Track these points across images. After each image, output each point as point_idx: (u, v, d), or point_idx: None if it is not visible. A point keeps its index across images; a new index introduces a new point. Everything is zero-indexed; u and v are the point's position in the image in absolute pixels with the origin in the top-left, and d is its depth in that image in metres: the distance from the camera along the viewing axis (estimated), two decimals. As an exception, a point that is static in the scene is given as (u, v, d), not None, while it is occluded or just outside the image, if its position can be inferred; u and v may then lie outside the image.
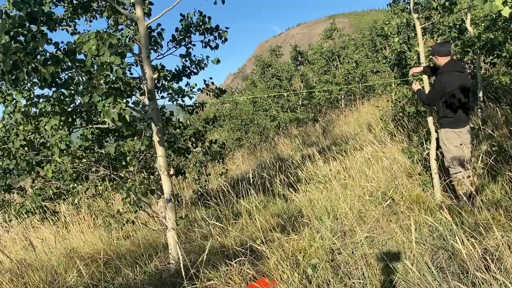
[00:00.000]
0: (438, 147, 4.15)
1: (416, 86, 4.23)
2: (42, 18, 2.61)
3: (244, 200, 5.30)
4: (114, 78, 2.85)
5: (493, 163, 3.92)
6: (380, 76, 16.42)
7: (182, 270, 2.91)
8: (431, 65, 4.21)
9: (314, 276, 2.84)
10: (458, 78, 3.81)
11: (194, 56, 5.08)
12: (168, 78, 5.26)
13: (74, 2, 4.46)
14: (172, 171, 4.01)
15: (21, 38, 2.53)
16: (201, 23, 4.84)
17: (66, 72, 2.81)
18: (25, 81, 3.29)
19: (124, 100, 2.91)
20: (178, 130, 5.94)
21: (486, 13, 7.21)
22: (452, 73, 3.84)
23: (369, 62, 16.73)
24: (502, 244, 2.53)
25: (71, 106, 3.34)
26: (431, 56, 4.15)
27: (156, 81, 5.11)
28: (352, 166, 5.40)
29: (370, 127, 9.17)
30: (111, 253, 4.05)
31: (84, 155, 5.02)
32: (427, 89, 4.10)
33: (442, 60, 3.95)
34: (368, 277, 2.74)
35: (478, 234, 2.90)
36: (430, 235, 3.26)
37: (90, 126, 4.54)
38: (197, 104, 6.07)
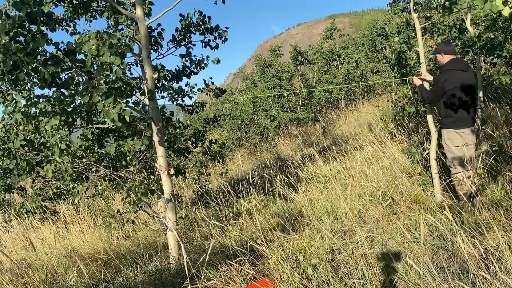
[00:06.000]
0: (440, 146, 4.14)
1: (417, 81, 4.16)
2: (42, 19, 2.61)
3: (244, 200, 5.30)
4: (114, 78, 2.85)
5: (493, 163, 3.92)
6: (380, 76, 16.41)
7: (186, 269, 2.91)
8: (431, 65, 4.19)
9: (314, 276, 2.84)
10: (460, 77, 3.78)
11: (194, 56, 5.08)
12: (168, 78, 5.26)
13: (74, 2, 4.46)
14: (172, 171, 4.01)
15: (21, 39, 2.53)
16: (201, 23, 4.85)
17: (66, 72, 2.81)
18: (25, 81, 3.28)
19: (124, 100, 2.91)
20: (178, 130, 5.94)
21: (486, 13, 7.22)
22: (454, 72, 3.81)
23: (369, 62, 16.72)
24: (503, 244, 2.53)
25: (71, 106, 3.34)
26: (434, 55, 4.13)
27: (156, 81, 5.11)
28: (352, 166, 5.39)
29: (370, 127, 9.17)
30: (111, 253, 4.05)
31: (84, 155, 5.02)
32: (426, 85, 4.09)
33: (445, 59, 3.93)
34: (368, 277, 2.74)
35: (479, 234, 2.90)
36: (430, 235, 3.26)
37: (90, 126, 4.54)
38: (197, 104, 6.07)
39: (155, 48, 5.16)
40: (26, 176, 8.06)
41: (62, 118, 3.51)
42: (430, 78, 4.10)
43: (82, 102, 2.88)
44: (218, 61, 5.07)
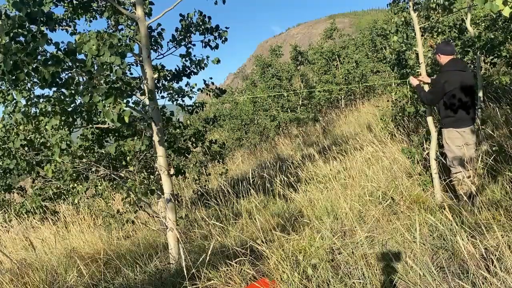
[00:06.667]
0: (440, 146, 4.14)
1: (414, 81, 4.13)
2: (42, 19, 2.61)
3: (244, 200, 5.30)
4: (114, 78, 2.86)
5: (493, 163, 3.92)
6: (380, 76, 16.41)
7: (185, 269, 2.91)
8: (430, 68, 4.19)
9: (314, 276, 2.84)
10: (459, 77, 3.79)
11: (194, 56, 5.08)
12: (168, 78, 5.26)
13: (74, 2, 4.46)
14: (172, 171, 4.01)
15: (21, 39, 2.53)
16: (201, 23, 4.84)
17: (66, 72, 2.81)
18: (26, 81, 3.29)
19: (125, 100, 2.91)
20: (178, 130, 5.94)
21: (486, 13, 7.22)
22: (453, 72, 3.82)
23: (369, 62, 16.72)
24: (503, 244, 2.53)
25: (71, 106, 3.34)
26: (434, 55, 4.13)
27: (156, 81, 5.11)
28: (352, 166, 5.39)
29: (370, 127, 9.17)
30: (111, 253, 4.05)
31: (84, 155, 5.02)
32: (426, 87, 4.09)
33: (444, 59, 3.94)
34: (368, 277, 2.74)
35: (479, 234, 2.90)
36: (430, 235, 3.26)
37: (90, 126, 4.54)
38: (197, 104, 6.07)
39: (155, 48, 5.16)
40: (26, 176, 8.07)
41: (62, 118, 3.51)
42: (428, 80, 4.10)
43: (82, 102, 2.88)
44: (218, 61, 5.07)
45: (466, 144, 3.82)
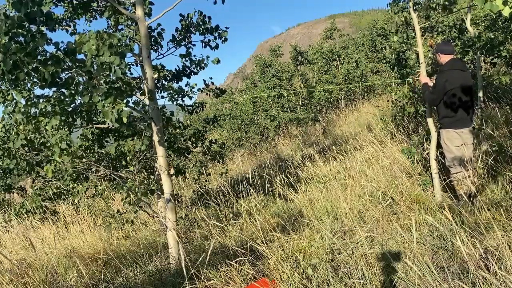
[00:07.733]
0: (439, 146, 4.14)
1: (423, 78, 4.10)
2: (41, 18, 2.60)
3: (244, 200, 5.30)
4: (114, 78, 2.85)
5: (493, 163, 3.92)
6: (380, 76, 16.41)
7: (184, 269, 2.91)
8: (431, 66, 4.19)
9: (314, 276, 2.84)
10: (459, 77, 3.80)
11: (194, 56, 5.08)
12: (168, 78, 5.26)
13: (74, 2, 4.46)
14: (172, 171, 4.01)
15: (21, 39, 2.52)
16: (201, 23, 4.84)
17: (66, 72, 2.80)
18: (25, 81, 3.29)
19: (124, 101, 2.91)
20: (178, 130, 5.94)
21: (486, 13, 7.22)
22: (453, 71, 3.83)
23: (369, 62, 16.72)
24: (503, 243, 2.53)
25: (71, 106, 3.34)
26: (434, 54, 4.14)
27: (156, 81, 5.11)
28: (352, 166, 5.39)
29: (370, 127, 9.17)
30: (111, 253, 4.05)
31: (84, 155, 5.02)
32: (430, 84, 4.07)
33: (444, 59, 3.94)
34: (368, 277, 2.74)
35: (479, 234, 2.90)
36: (430, 235, 3.26)
37: (90, 126, 4.54)
38: (197, 104, 6.07)
39: (155, 48, 5.16)
40: (26, 176, 8.06)
41: (62, 118, 3.50)
42: (426, 80, 4.09)
43: (82, 102, 2.88)
44: (218, 61, 5.06)
45: (465, 144, 3.82)
